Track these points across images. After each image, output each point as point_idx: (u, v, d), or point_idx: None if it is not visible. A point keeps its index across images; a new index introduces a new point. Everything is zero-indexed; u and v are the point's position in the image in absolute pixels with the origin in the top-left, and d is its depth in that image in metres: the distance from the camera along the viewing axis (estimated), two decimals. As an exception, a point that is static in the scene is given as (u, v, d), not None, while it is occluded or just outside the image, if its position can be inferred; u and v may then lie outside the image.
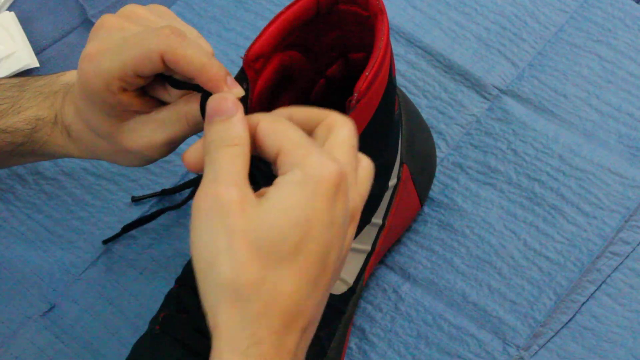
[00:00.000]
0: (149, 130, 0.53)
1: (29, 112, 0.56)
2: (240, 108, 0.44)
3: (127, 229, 0.66)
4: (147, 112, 0.53)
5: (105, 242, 0.67)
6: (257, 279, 0.40)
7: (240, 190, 0.41)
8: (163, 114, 0.53)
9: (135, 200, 0.68)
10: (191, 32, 0.53)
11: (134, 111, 0.53)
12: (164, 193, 0.68)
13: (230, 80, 0.49)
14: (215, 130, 0.43)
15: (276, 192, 0.41)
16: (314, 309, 0.42)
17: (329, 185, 0.41)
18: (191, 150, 0.45)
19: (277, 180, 0.42)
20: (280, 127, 0.43)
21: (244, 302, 0.40)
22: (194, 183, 0.65)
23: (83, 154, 0.56)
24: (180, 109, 0.52)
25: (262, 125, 0.44)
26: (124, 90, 0.51)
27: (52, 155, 0.58)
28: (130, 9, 0.53)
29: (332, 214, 0.42)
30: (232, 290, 0.40)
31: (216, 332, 0.41)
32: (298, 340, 0.42)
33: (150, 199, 0.69)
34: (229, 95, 0.44)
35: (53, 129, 0.56)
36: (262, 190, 0.42)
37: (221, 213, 0.41)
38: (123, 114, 0.53)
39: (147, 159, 0.54)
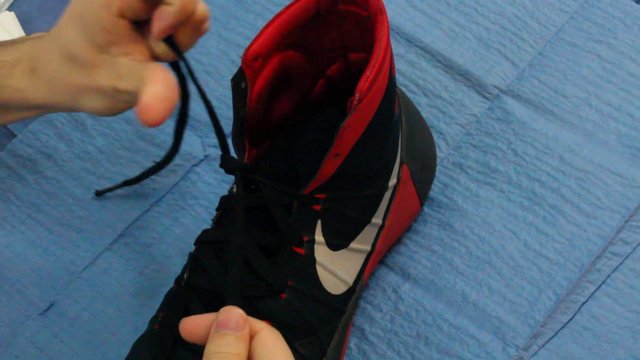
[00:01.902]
0: (120, 71, 0.50)
1: None
2: (247, 326, 0.48)
3: (127, 183, 0.68)
4: (129, 54, 0.51)
5: (98, 193, 0.69)
6: None
7: None
8: (131, 64, 0.51)
9: (99, 193, 0.69)
10: None
11: (119, 47, 0.50)
12: (126, 184, 0.68)
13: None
14: (219, 343, 0.47)
15: None
16: None
17: None
18: (192, 322, 0.49)
19: None
20: (278, 342, 0.48)
21: None
22: (154, 171, 0.65)
23: (42, 94, 0.54)
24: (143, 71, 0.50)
25: (264, 333, 0.48)
26: (122, 15, 0.49)
27: (4, 103, 0.56)
28: None
29: None
30: None
31: None
32: None
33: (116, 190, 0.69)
34: (240, 310, 0.48)
35: (12, 69, 0.54)
36: None
37: None
38: (107, 46, 0.50)
39: (111, 103, 0.52)
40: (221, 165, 0.55)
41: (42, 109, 0.56)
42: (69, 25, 0.51)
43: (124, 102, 0.51)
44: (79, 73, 0.51)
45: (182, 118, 0.57)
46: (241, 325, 0.47)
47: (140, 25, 0.50)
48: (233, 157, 0.55)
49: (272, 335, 0.48)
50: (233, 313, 0.48)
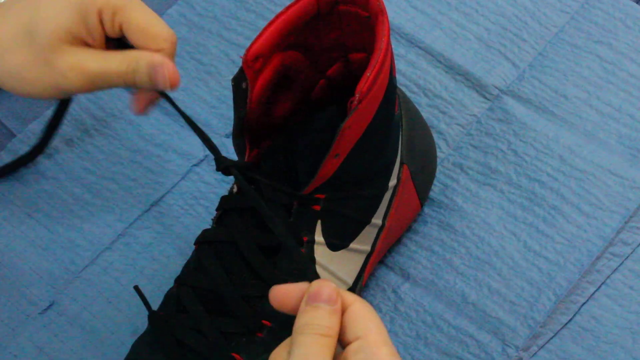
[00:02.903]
0: (89, 55, 0.53)
1: None
2: (339, 300, 0.46)
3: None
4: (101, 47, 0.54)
5: None
6: None
7: None
8: (112, 49, 0.54)
9: None
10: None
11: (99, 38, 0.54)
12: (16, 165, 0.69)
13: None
14: (312, 316, 0.46)
15: None
16: None
17: None
18: (282, 290, 0.47)
19: None
20: (372, 317, 0.47)
21: None
22: (40, 149, 0.66)
23: None
24: (133, 54, 0.53)
25: (356, 306, 0.47)
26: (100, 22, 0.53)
27: None
28: None
29: None
30: None
31: None
32: None
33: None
34: (331, 284, 0.47)
35: None
36: None
37: None
38: (83, 37, 0.53)
39: (62, 84, 0.54)
40: (217, 169, 0.55)
41: None
42: (51, 8, 0.53)
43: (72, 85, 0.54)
44: (36, 53, 0.53)
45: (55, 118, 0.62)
46: (334, 298, 0.46)
47: None
48: (226, 158, 0.55)
49: (364, 309, 0.47)
50: (325, 285, 0.47)
